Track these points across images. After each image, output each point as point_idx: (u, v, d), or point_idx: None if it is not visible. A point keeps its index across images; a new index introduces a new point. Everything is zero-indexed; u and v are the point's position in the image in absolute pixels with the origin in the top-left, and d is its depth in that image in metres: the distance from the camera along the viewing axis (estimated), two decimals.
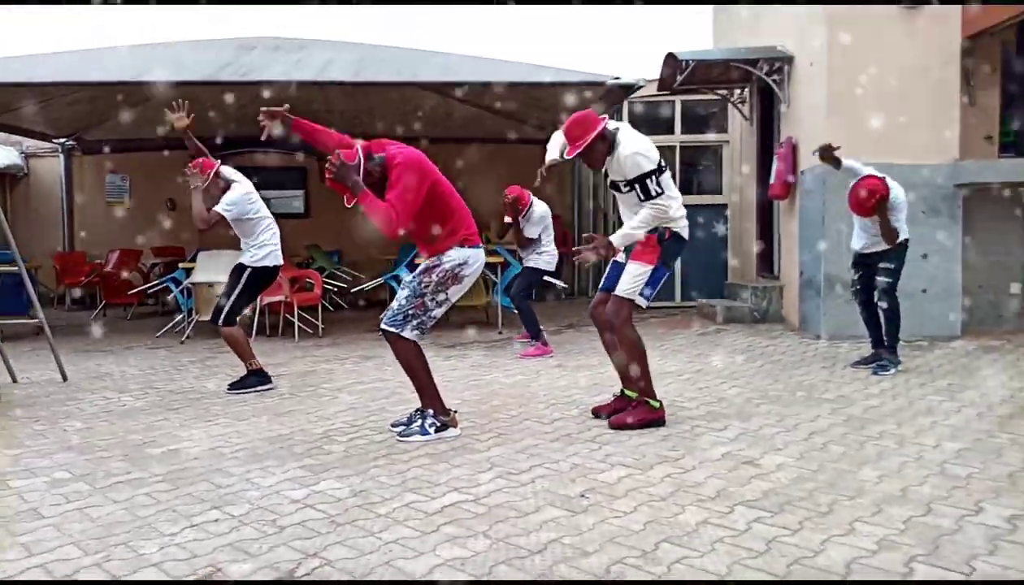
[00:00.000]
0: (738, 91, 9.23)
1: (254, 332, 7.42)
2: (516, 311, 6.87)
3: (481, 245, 3.86)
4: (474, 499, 2.90)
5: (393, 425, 3.96)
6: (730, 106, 9.51)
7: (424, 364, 3.80)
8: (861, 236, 5.46)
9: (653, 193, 3.73)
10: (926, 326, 6.69)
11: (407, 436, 3.77)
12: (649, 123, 9.69)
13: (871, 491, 2.92)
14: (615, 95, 8.15)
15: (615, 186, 3.92)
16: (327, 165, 3.48)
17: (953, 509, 2.72)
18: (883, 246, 5.31)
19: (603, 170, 3.96)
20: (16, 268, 5.67)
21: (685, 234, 3.93)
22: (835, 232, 6.69)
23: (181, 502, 2.93)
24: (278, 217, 5.42)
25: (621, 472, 3.20)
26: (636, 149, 3.75)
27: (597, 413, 4.16)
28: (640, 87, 7.95)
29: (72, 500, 2.97)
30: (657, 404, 3.98)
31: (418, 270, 3.79)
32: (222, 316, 5.04)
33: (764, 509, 2.74)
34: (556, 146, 4.33)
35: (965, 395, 4.62)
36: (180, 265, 8.53)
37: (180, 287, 8.12)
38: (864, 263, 5.48)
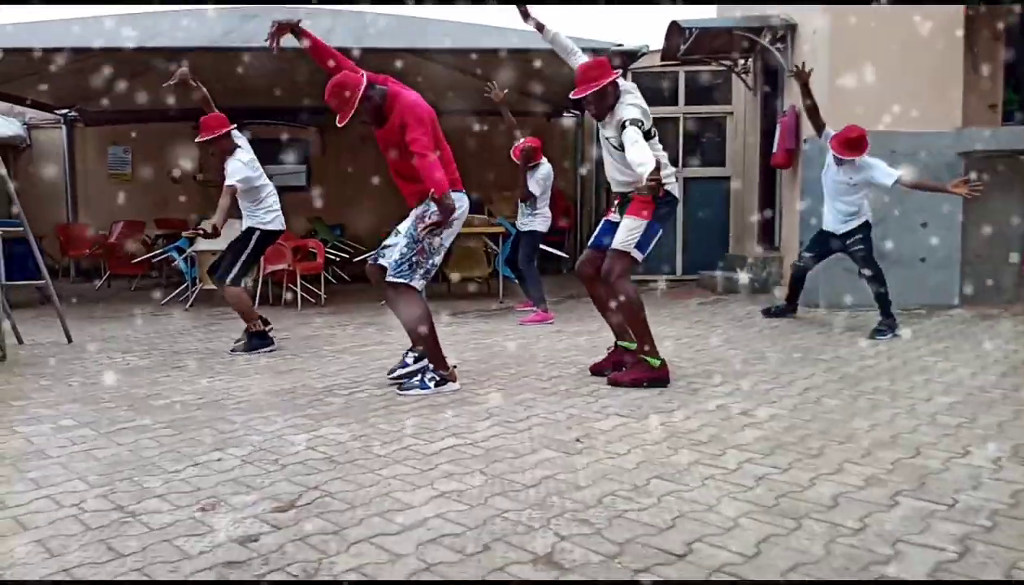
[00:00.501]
0: (742, 61, 9.18)
1: (257, 301, 7.47)
2: (516, 280, 6.89)
3: (464, 191, 3.92)
4: (471, 443, 2.96)
5: (390, 372, 4.02)
6: (734, 77, 9.46)
7: (427, 317, 3.86)
8: (831, 214, 5.67)
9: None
10: (925, 294, 6.72)
11: (407, 390, 3.83)
12: (653, 94, 9.64)
13: (862, 438, 2.97)
14: (618, 62, 8.11)
15: (608, 141, 3.97)
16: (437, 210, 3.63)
17: (941, 453, 2.77)
18: (853, 224, 5.54)
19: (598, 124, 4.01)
20: (21, 230, 5.70)
21: (676, 193, 3.99)
22: None
23: (185, 445, 2.99)
24: (280, 191, 5.46)
25: (616, 421, 3.26)
26: (639, 106, 3.82)
27: (595, 370, 4.21)
28: (643, 54, 7.91)
29: (78, 443, 3.04)
30: (658, 362, 4.00)
31: (410, 218, 3.84)
32: (229, 277, 5.06)
33: (755, 452, 2.79)
34: None
35: (960, 356, 4.66)
36: (184, 234, 8.55)
37: (183, 255, 8.17)
38: (827, 243, 5.72)
